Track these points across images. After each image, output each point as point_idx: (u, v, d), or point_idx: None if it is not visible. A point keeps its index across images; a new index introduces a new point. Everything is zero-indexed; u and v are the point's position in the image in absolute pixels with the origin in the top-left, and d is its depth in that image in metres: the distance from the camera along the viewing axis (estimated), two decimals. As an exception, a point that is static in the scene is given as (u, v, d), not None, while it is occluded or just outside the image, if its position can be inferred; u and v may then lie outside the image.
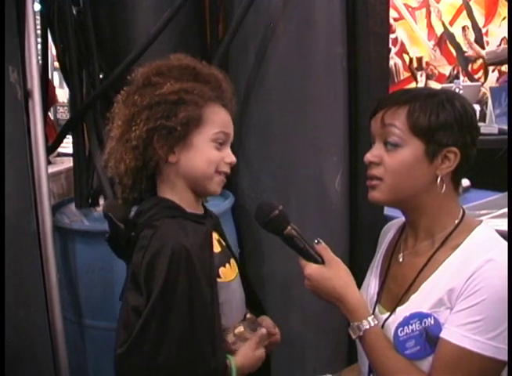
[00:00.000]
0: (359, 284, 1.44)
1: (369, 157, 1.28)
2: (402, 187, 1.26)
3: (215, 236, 1.38)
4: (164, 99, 1.26)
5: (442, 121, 1.21)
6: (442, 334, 1.18)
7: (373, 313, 1.31)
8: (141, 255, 1.24)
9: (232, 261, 1.40)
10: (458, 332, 1.16)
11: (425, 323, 1.20)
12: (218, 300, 1.27)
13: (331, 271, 1.28)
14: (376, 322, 1.25)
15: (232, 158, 1.33)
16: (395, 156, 1.24)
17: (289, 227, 1.30)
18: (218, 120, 1.31)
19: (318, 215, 2.20)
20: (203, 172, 1.31)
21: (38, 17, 2.19)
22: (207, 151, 1.30)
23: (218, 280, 1.31)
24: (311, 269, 1.28)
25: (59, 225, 2.05)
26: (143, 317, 1.19)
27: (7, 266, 1.53)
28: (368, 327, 1.23)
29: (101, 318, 1.99)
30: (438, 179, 1.23)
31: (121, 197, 1.34)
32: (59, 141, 2.35)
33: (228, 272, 1.36)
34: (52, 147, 2.34)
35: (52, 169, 2.33)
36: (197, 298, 1.22)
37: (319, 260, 1.29)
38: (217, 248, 1.34)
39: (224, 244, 1.41)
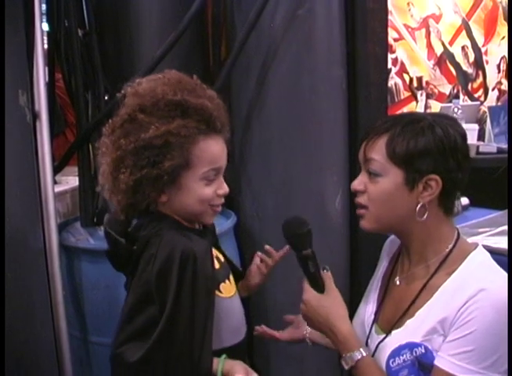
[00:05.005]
0: (359, 301, 1.48)
1: (354, 185, 1.30)
2: (385, 215, 1.27)
3: (214, 252, 1.38)
4: (148, 143, 1.21)
5: (421, 147, 1.20)
6: (436, 362, 1.19)
7: (370, 333, 1.33)
8: (151, 264, 1.24)
9: (231, 277, 1.42)
10: (451, 361, 1.16)
11: (416, 352, 1.20)
12: (213, 313, 1.27)
13: (328, 300, 1.29)
14: (368, 352, 1.25)
15: (224, 189, 1.32)
16: (377, 185, 1.25)
17: (309, 249, 1.31)
18: (207, 157, 1.27)
19: (318, 234, 2.15)
20: (195, 210, 1.31)
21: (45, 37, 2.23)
22: (198, 190, 1.28)
23: (220, 294, 1.32)
24: (310, 295, 1.30)
25: (65, 243, 2.08)
26: (161, 326, 1.21)
27: (14, 283, 1.55)
28: (360, 357, 1.23)
29: (106, 335, 2.00)
30: (418, 207, 1.23)
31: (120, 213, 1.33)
32: (65, 161, 2.39)
33: (229, 288, 1.37)
34: (58, 167, 2.38)
35: (57, 189, 2.36)
36: (199, 301, 1.23)
37: (322, 289, 1.30)
38: (216, 265, 1.35)
39: (222, 260, 1.42)
